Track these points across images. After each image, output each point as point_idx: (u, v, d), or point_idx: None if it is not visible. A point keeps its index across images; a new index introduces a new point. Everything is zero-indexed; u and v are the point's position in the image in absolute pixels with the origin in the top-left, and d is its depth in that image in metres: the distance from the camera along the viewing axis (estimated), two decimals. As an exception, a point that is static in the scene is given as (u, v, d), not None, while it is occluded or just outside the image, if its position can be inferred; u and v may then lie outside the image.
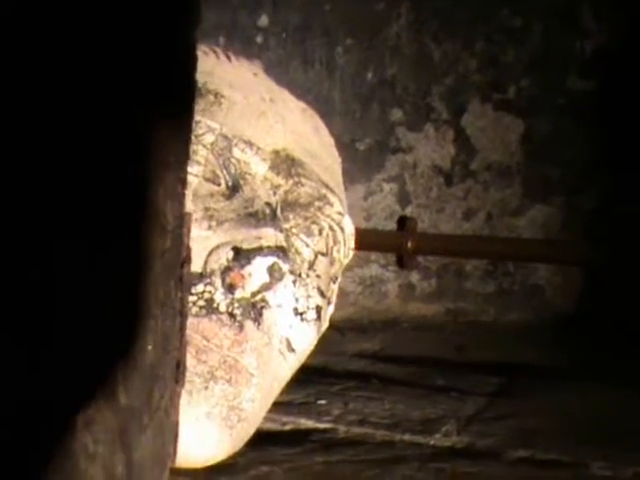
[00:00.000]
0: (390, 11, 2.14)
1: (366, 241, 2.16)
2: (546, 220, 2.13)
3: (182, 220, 0.97)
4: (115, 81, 0.80)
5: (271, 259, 1.13)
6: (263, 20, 2.16)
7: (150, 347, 0.87)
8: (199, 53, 1.14)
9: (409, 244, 2.10)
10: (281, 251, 1.13)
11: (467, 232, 2.17)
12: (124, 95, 0.82)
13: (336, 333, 2.03)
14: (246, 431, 1.14)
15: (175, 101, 0.94)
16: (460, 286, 2.18)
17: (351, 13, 2.15)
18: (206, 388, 1.08)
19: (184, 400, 1.03)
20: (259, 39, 2.16)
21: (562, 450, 1.27)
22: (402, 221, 2.17)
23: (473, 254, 2.14)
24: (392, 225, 2.19)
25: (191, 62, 0.98)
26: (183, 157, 0.96)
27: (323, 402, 1.48)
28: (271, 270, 1.13)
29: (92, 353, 0.78)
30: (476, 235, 2.17)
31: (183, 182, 0.96)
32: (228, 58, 1.24)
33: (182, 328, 0.98)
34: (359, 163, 2.17)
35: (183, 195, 0.96)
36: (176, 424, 0.98)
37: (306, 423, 1.37)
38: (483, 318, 2.16)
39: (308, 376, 1.59)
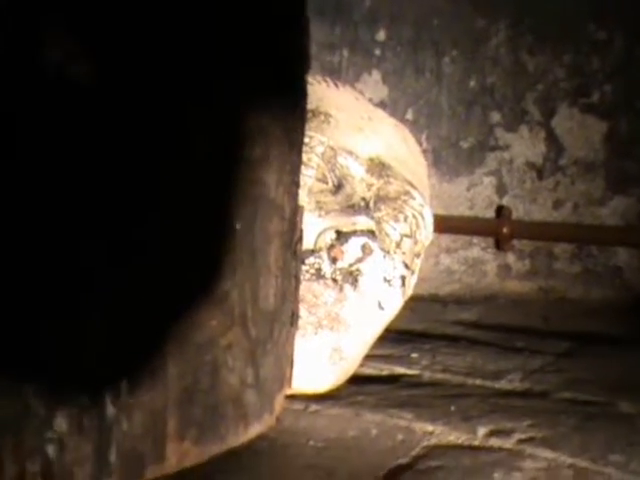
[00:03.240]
0: (490, 27, 2.39)
1: (469, 227, 2.45)
2: (626, 209, 2.32)
3: (296, 211, 1.33)
4: (249, 115, 1.18)
5: (363, 239, 1.47)
6: (381, 35, 2.46)
7: (272, 298, 1.24)
8: (314, 82, 1.50)
9: (505, 230, 2.37)
10: (371, 233, 1.48)
11: (556, 220, 2.38)
12: (253, 124, 1.19)
13: (439, 305, 2.34)
14: (346, 369, 1.49)
15: (290, 125, 1.29)
16: (550, 267, 2.40)
17: (456, 28, 2.40)
18: (315, 334, 1.44)
19: (299, 343, 1.40)
20: (377, 51, 2.46)
21: (599, 394, 1.55)
22: (500, 210, 2.41)
23: (562, 239, 2.38)
24: (491, 213, 2.43)
25: (302, 97, 1.32)
26: (297, 165, 1.32)
27: (415, 355, 1.79)
28: (363, 248, 1.47)
29: (230, 299, 1.16)
30: (564, 222, 2.37)
31: (297, 183, 1.31)
32: (335, 85, 1.58)
33: (296, 287, 1.34)
34: (463, 159, 2.43)
35: (297, 193, 1.32)
36: (291, 355, 1.35)
37: (399, 370, 1.70)
38: (570, 295, 2.38)
39: (408, 337, 1.93)
